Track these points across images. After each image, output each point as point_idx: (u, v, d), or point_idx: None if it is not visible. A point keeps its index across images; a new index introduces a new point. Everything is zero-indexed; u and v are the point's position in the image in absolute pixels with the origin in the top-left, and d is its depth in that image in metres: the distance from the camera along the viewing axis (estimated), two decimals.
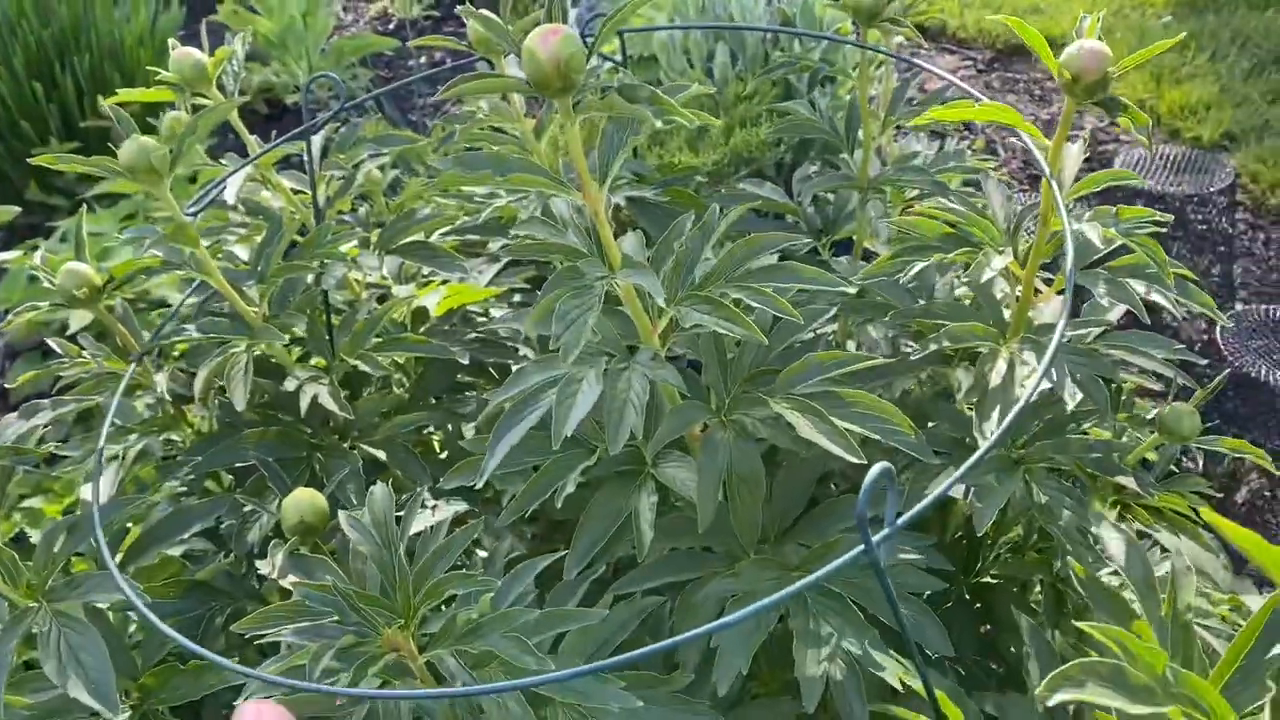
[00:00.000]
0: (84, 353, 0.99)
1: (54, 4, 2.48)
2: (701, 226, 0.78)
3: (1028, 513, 0.86)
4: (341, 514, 0.70)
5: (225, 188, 0.93)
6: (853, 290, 0.81)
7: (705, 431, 0.78)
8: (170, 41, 1.01)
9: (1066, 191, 0.77)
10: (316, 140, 1.02)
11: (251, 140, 1.05)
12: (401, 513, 0.70)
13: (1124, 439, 0.91)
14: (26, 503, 1.46)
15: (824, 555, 0.78)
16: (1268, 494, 1.74)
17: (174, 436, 1.00)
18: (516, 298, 1.16)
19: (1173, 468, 0.93)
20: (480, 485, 0.74)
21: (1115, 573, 0.83)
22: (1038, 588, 0.94)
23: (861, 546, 0.52)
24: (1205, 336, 1.95)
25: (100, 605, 0.78)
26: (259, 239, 0.98)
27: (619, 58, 1.16)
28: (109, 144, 0.88)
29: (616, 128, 0.72)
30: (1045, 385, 0.76)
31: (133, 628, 1.01)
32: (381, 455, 0.95)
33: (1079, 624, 0.55)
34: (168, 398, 0.96)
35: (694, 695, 0.72)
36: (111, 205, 2.13)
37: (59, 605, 0.74)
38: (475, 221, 1.06)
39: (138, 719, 0.78)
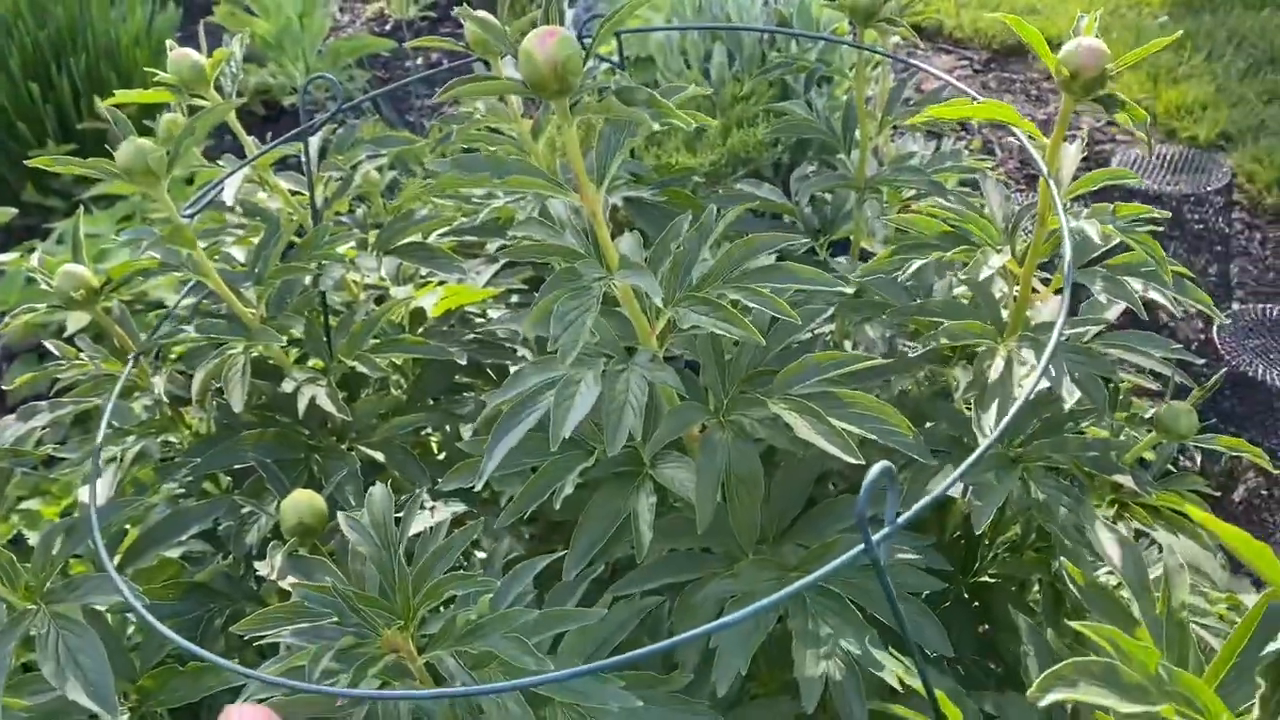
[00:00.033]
0: (81, 354, 0.99)
1: (50, 5, 2.47)
2: (699, 227, 0.78)
3: (1026, 512, 0.86)
4: (340, 515, 0.70)
5: (223, 189, 0.93)
6: (850, 290, 0.81)
7: (703, 432, 0.78)
8: (168, 43, 1.01)
9: (1064, 190, 0.77)
10: (314, 141, 1.02)
11: (249, 141, 1.05)
12: (400, 514, 0.70)
13: (1121, 438, 0.92)
14: (24, 504, 1.46)
15: (823, 555, 0.78)
16: (1265, 492, 1.74)
17: (172, 438, 1.00)
18: (514, 298, 1.16)
19: (1170, 467, 0.93)
20: (479, 487, 0.74)
21: (1112, 571, 0.83)
22: (1036, 587, 0.94)
23: (861, 546, 0.52)
24: (1202, 336, 1.95)
25: (99, 607, 0.78)
26: (256, 240, 0.97)
27: (616, 58, 1.16)
28: (106, 145, 0.87)
29: (614, 129, 0.72)
30: (1043, 384, 0.76)
31: (131, 629, 1.01)
32: (380, 456, 0.95)
33: (1073, 624, 0.56)
34: (165, 399, 0.96)
35: (693, 695, 0.72)
36: (109, 206, 2.13)
37: (57, 607, 0.74)
38: (473, 222, 1.06)
39: None
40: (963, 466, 0.58)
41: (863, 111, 1.04)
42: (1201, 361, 1.53)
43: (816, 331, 0.87)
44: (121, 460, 0.95)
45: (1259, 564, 0.48)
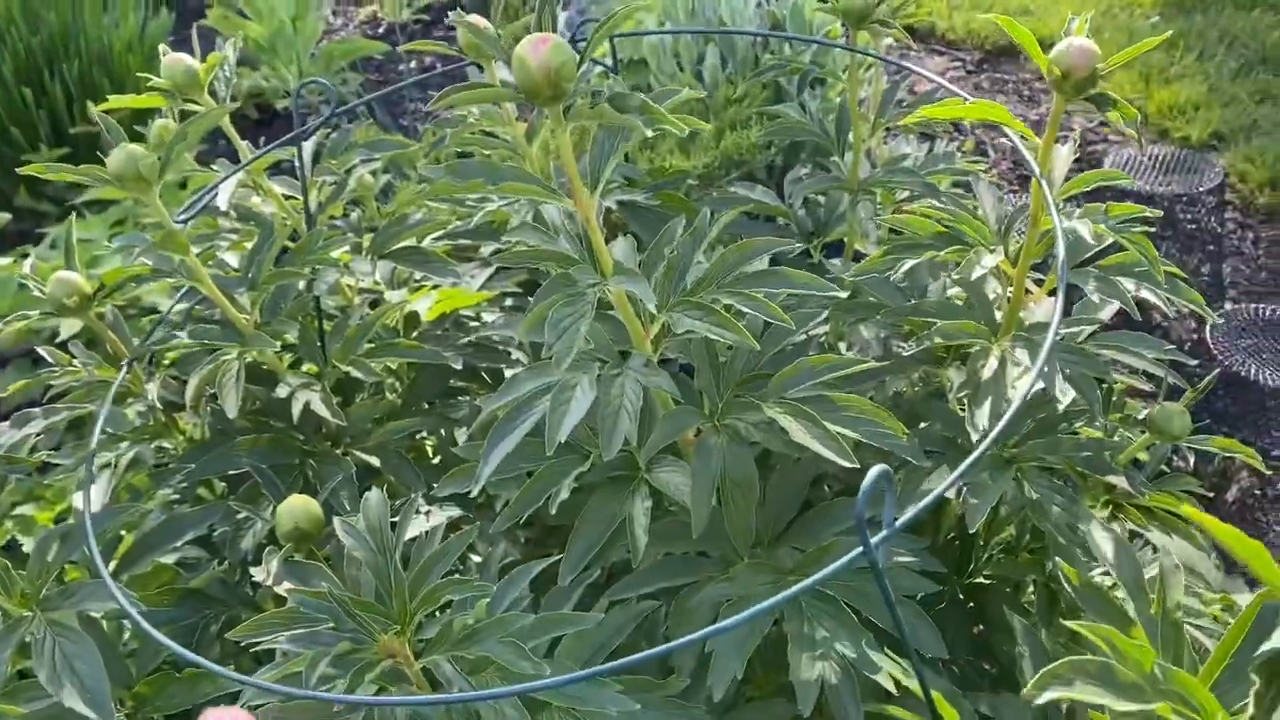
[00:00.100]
0: (74, 361, 0.99)
1: (43, 10, 2.47)
2: (693, 232, 0.78)
3: (1020, 513, 0.87)
4: (337, 520, 0.70)
5: (217, 194, 0.93)
6: (843, 293, 0.81)
7: (698, 436, 0.78)
8: (161, 48, 1.01)
9: (1056, 191, 0.78)
10: (308, 146, 1.02)
11: (243, 146, 1.05)
12: (396, 518, 0.70)
13: (1115, 438, 0.92)
14: (18, 510, 1.46)
15: (819, 558, 0.78)
16: (1258, 492, 1.75)
17: (166, 444, 1.00)
18: (509, 302, 1.16)
19: (1163, 467, 0.93)
20: (475, 492, 0.74)
21: (1107, 572, 0.84)
22: (1030, 588, 0.95)
23: (859, 550, 0.52)
24: (1195, 336, 1.96)
25: (94, 614, 0.78)
26: (250, 245, 0.97)
27: (609, 62, 1.17)
28: (99, 150, 0.87)
29: (607, 135, 0.72)
30: (1038, 385, 0.76)
31: (127, 635, 1.01)
32: (375, 461, 0.95)
33: (1069, 623, 0.56)
34: (159, 405, 0.96)
35: (689, 699, 0.73)
36: (102, 211, 2.12)
37: (53, 614, 0.74)
38: (467, 226, 1.06)
39: None
40: (961, 467, 0.59)
41: (856, 114, 1.04)
42: (1194, 362, 1.54)
43: (811, 334, 0.87)
44: (116, 466, 0.95)
45: (1254, 563, 0.49)
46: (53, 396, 0.98)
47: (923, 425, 0.88)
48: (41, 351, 1.02)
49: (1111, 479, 0.82)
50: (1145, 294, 0.79)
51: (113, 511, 0.86)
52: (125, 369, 0.94)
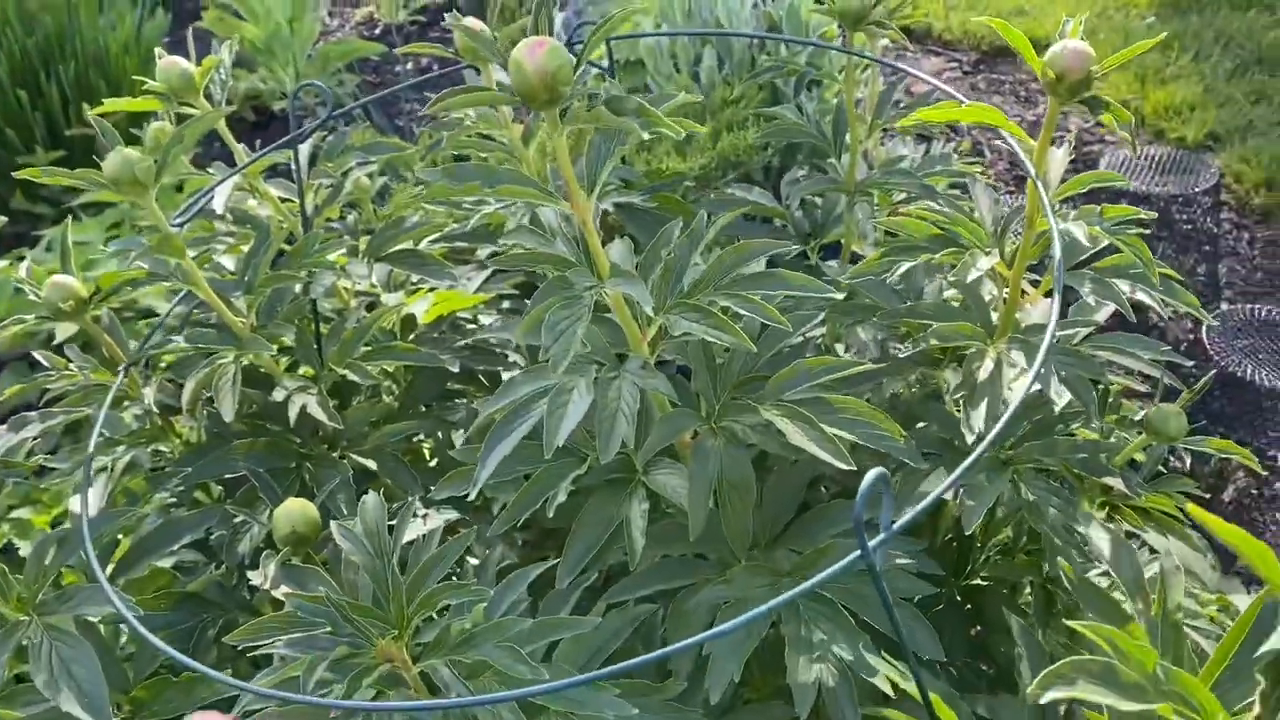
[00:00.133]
0: (70, 365, 0.99)
1: (38, 12, 2.46)
2: (690, 234, 0.78)
3: (1017, 514, 0.87)
4: (334, 524, 0.70)
5: (212, 197, 0.93)
6: (840, 295, 0.82)
7: (695, 438, 0.78)
8: (156, 51, 1.01)
9: (1052, 192, 0.78)
10: (304, 148, 1.02)
11: (239, 149, 1.05)
12: (393, 522, 0.70)
13: (1112, 440, 0.92)
14: (15, 513, 1.46)
15: (816, 561, 0.78)
16: (1255, 492, 1.75)
17: (162, 448, 1.00)
18: (505, 304, 1.16)
19: (1160, 468, 0.93)
20: (472, 495, 0.74)
21: (1105, 573, 0.84)
22: (1027, 589, 0.95)
23: (857, 553, 0.52)
24: (1191, 336, 1.96)
25: (91, 618, 0.78)
26: (246, 249, 0.97)
27: (605, 63, 1.17)
28: (95, 152, 0.87)
29: (604, 138, 0.72)
30: (1034, 386, 0.76)
31: (124, 640, 1.01)
32: (371, 464, 0.95)
33: (1070, 623, 0.56)
34: (155, 409, 0.96)
35: (687, 702, 0.73)
36: (98, 214, 2.12)
37: (50, 618, 0.74)
38: (464, 228, 1.06)
39: None
40: (957, 471, 0.59)
41: (852, 115, 1.04)
42: (1191, 363, 1.54)
43: (808, 335, 0.87)
44: (112, 470, 0.95)
45: (1259, 564, 0.49)
46: (49, 400, 0.97)
47: (919, 426, 0.88)
48: (37, 355, 1.02)
49: (1108, 480, 0.82)
50: (1141, 296, 0.79)
51: (109, 515, 0.86)
52: (121, 373, 0.94)
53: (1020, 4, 3.31)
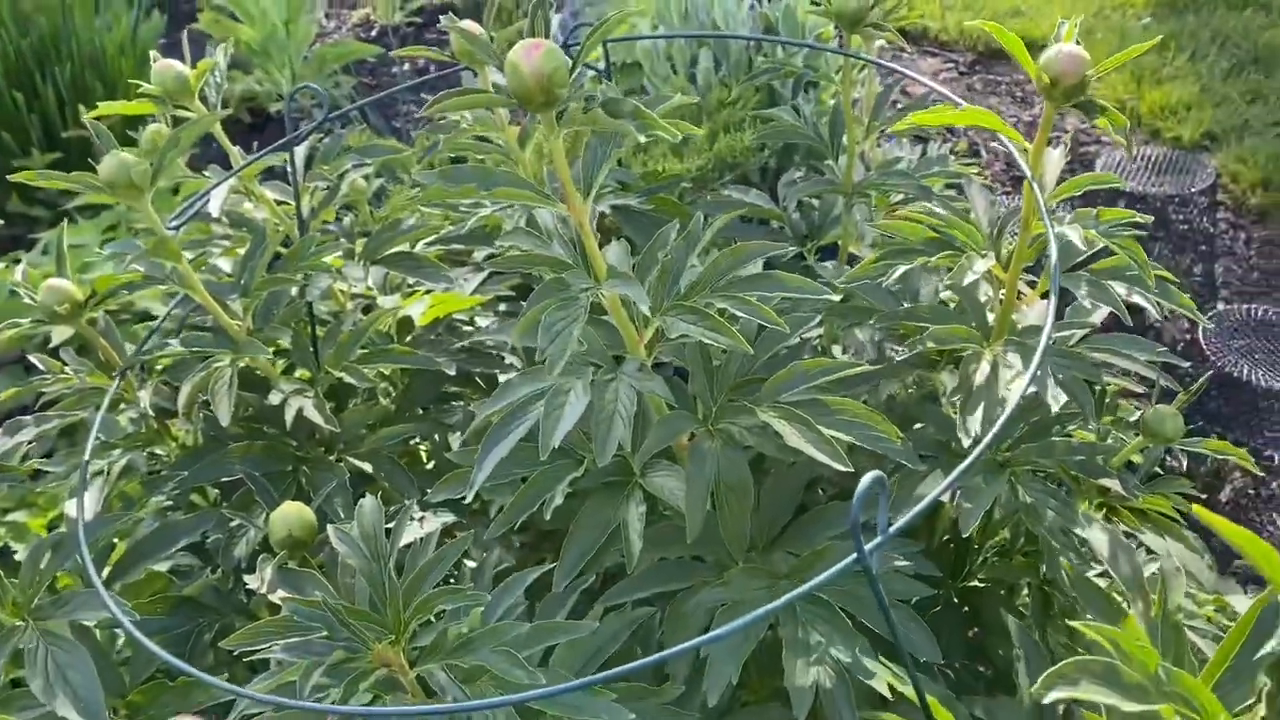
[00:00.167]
0: (66, 368, 0.98)
1: (33, 13, 2.46)
2: (686, 236, 0.78)
3: (1014, 516, 0.87)
4: (330, 528, 0.70)
5: (208, 201, 0.92)
6: (836, 297, 0.81)
7: (693, 440, 0.78)
8: (151, 53, 1.01)
9: (1048, 195, 0.78)
10: (300, 151, 1.01)
11: (234, 152, 1.04)
12: (390, 525, 0.70)
13: (1108, 441, 0.92)
14: (10, 516, 1.45)
15: (813, 563, 0.78)
16: (1251, 492, 1.75)
17: (159, 451, 1.00)
18: (502, 306, 1.15)
19: (1157, 469, 0.93)
20: (469, 498, 0.74)
21: (1103, 574, 0.84)
22: (1025, 591, 0.95)
23: (854, 556, 0.52)
24: (1188, 336, 1.96)
25: (87, 623, 0.78)
26: (243, 251, 0.97)
27: (602, 65, 1.17)
28: (91, 154, 0.87)
29: (600, 140, 0.72)
30: (1030, 388, 0.76)
31: (120, 643, 1.00)
32: (368, 467, 0.95)
33: (1072, 623, 0.56)
34: (151, 412, 0.96)
35: (684, 706, 0.72)
36: (94, 216, 2.11)
37: (45, 624, 0.74)
38: (460, 231, 1.05)
39: None
40: (953, 475, 0.59)
41: (849, 116, 1.04)
42: (1187, 364, 1.54)
43: (804, 337, 0.87)
44: (108, 474, 0.95)
45: (1264, 564, 0.49)
46: (44, 404, 0.97)
47: (916, 428, 0.88)
48: (33, 359, 1.02)
49: (1105, 482, 0.82)
50: (1136, 298, 0.79)
51: (105, 520, 0.86)
52: (118, 376, 0.93)
53: (1016, 4, 3.31)
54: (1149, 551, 0.90)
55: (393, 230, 1.03)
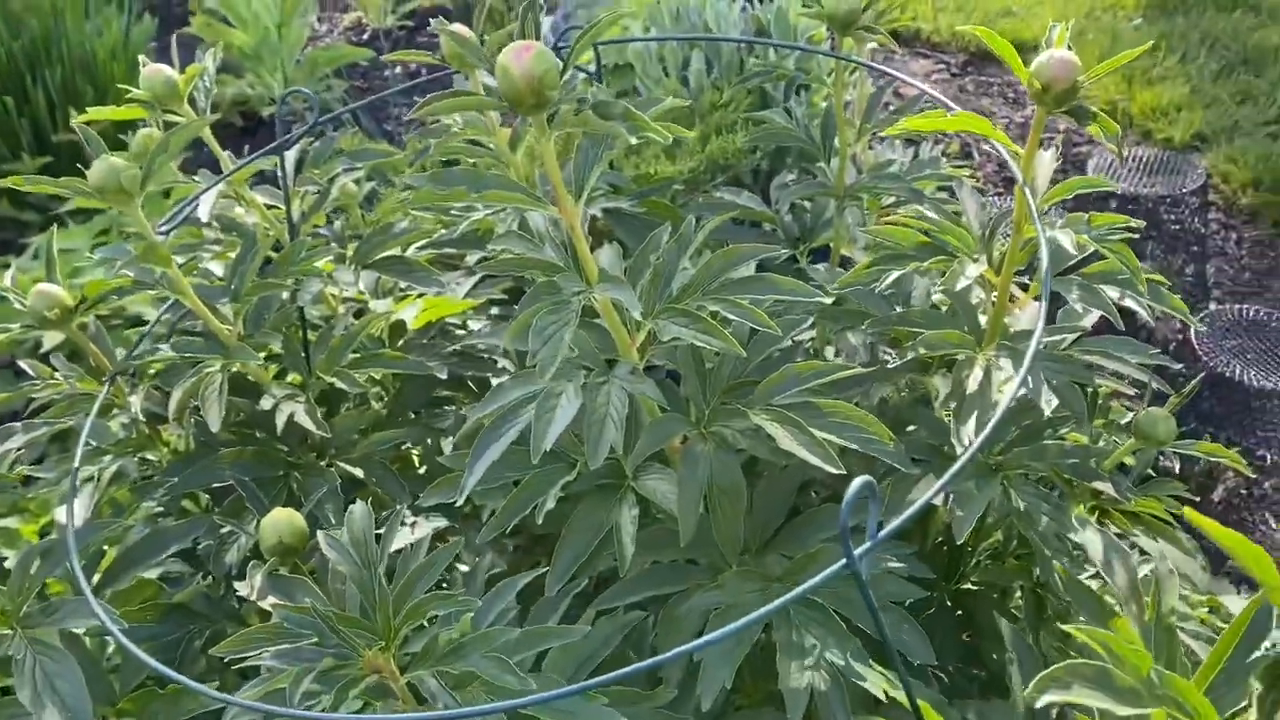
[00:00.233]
0: (57, 373, 0.98)
1: (24, 17, 2.45)
2: (678, 238, 0.78)
3: (1007, 519, 0.87)
4: (320, 534, 0.69)
5: (197, 205, 0.92)
6: (829, 300, 0.81)
7: (685, 444, 0.78)
8: (140, 58, 1.00)
9: (1040, 198, 0.78)
10: (290, 155, 1.01)
11: (224, 156, 1.04)
12: (381, 531, 0.70)
13: (1101, 444, 0.92)
14: (1, 523, 1.45)
15: (806, 566, 0.78)
16: (1244, 492, 1.76)
17: (150, 456, 0.99)
18: (494, 310, 1.15)
19: (1149, 470, 0.93)
20: (460, 502, 0.74)
21: (1095, 576, 0.84)
22: (1018, 594, 0.95)
23: (844, 561, 0.52)
24: (1180, 336, 1.97)
25: (76, 631, 0.77)
26: (234, 256, 0.97)
27: (593, 68, 1.16)
28: (82, 158, 0.87)
29: (591, 143, 0.72)
30: (1022, 392, 0.76)
31: (111, 650, 1.00)
32: (360, 473, 0.94)
33: (1064, 626, 0.56)
34: (142, 418, 0.95)
35: (678, 710, 0.72)
36: (86, 220, 2.11)
37: (34, 632, 0.73)
38: (452, 235, 1.05)
39: None
40: (942, 481, 0.59)
41: (841, 119, 1.04)
42: (1179, 366, 1.55)
43: (797, 340, 0.87)
44: (99, 480, 0.94)
45: (1254, 567, 0.49)
46: (35, 410, 0.97)
47: (909, 430, 0.88)
48: (23, 364, 1.01)
49: (1098, 485, 0.82)
50: (1128, 302, 0.79)
51: (95, 526, 0.85)
52: (108, 382, 0.93)
53: (1008, 5, 3.32)
54: (1142, 553, 0.90)
55: (384, 234, 1.03)
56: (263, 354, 0.95)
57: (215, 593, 0.91)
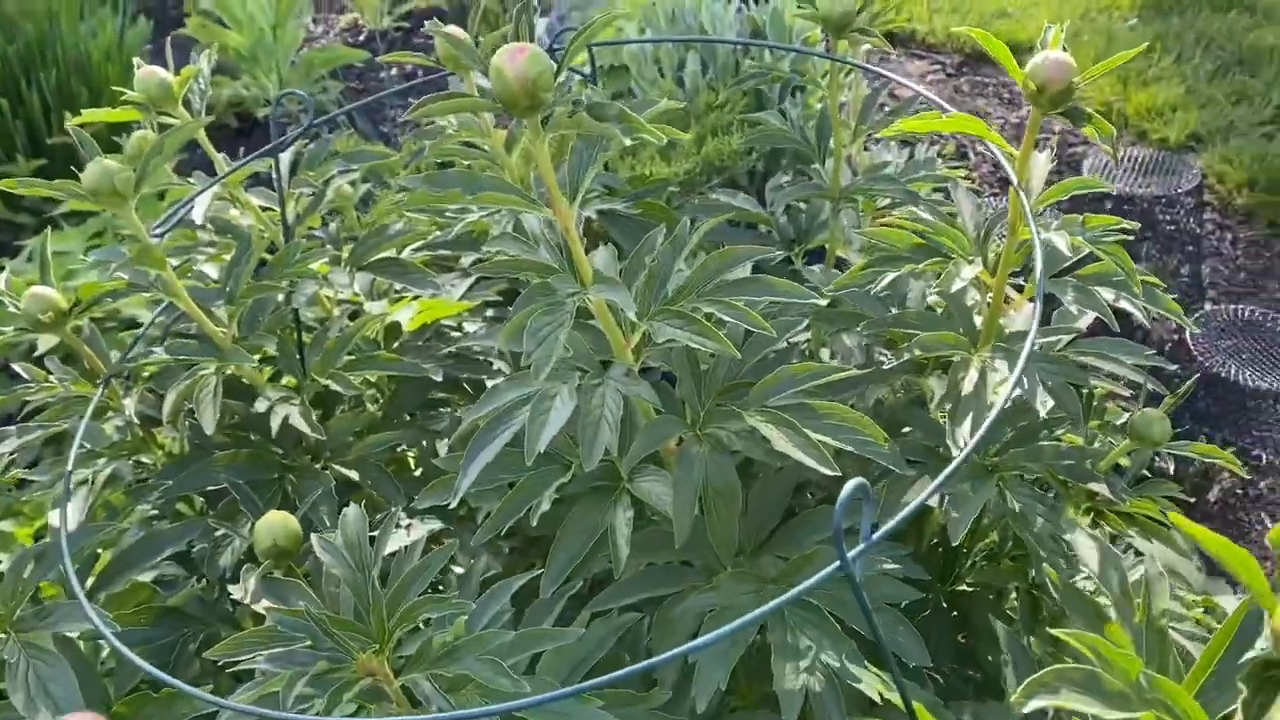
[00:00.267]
0: (51, 376, 0.98)
1: (19, 19, 2.45)
2: (673, 240, 0.78)
3: (1002, 520, 0.87)
4: (314, 537, 0.69)
5: (191, 208, 0.92)
6: (824, 302, 0.81)
7: (680, 445, 0.78)
8: (135, 60, 1.00)
9: (1035, 199, 0.78)
10: (285, 157, 1.01)
11: (219, 158, 1.04)
12: (376, 533, 0.70)
13: (1096, 445, 0.92)
14: None
15: (801, 567, 0.78)
16: (1240, 491, 1.76)
17: (144, 459, 0.99)
18: (490, 312, 1.15)
19: (1144, 471, 0.93)
20: (453, 504, 0.74)
21: (1089, 578, 0.84)
22: (1014, 595, 0.95)
23: (838, 563, 0.52)
24: (1176, 337, 1.97)
25: (70, 634, 0.77)
26: (228, 258, 0.97)
27: (587, 70, 1.16)
28: (77, 161, 0.86)
29: (585, 145, 0.72)
30: (1017, 393, 0.76)
31: (105, 654, 1.00)
32: (355, 475, 0.94)
33: (1054, 631, 0.56)
34: (136, 421, 0.95)
35: (673, 712, 0.72)
36: (80, 223, 2.10)
37: (28, 635, 0.73)
38: (447, 236, 1.05)
39: None
40: (936, 482, 0.59)
41: (836, 121, 1.04)
42: (1174, 366, 1.55)
43: (792, 341, 0.87)
44: (93, 482, 0.94)
45: (1241, 571, 0.49)
46: (29, 413, 0.96)
47: (905, 432, 0.88)
48: (17, 367, 1.01)
49: (1093, 486, 0.82)
50: (1123, 303, 0.79)
51: (89, 530, 0.85)
52: (102, 385, 0.93)
53: (1003, 6, 3.32)
54: (1137, 554, 0.90)
55: (379, 236, 1.02)
56: (257, 356, 0.95)
57: (209, 596, 0.91)
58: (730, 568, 0.79)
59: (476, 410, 0.75)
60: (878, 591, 0.77)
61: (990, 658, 0.89)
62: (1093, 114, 0.73)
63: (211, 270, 1.04)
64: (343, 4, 3.53)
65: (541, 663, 0.73)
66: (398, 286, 1.08)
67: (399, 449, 1.05)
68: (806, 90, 1.71)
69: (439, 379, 0.97)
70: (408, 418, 1.04)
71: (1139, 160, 2.24)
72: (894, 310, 0.90)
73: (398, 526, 0.80)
